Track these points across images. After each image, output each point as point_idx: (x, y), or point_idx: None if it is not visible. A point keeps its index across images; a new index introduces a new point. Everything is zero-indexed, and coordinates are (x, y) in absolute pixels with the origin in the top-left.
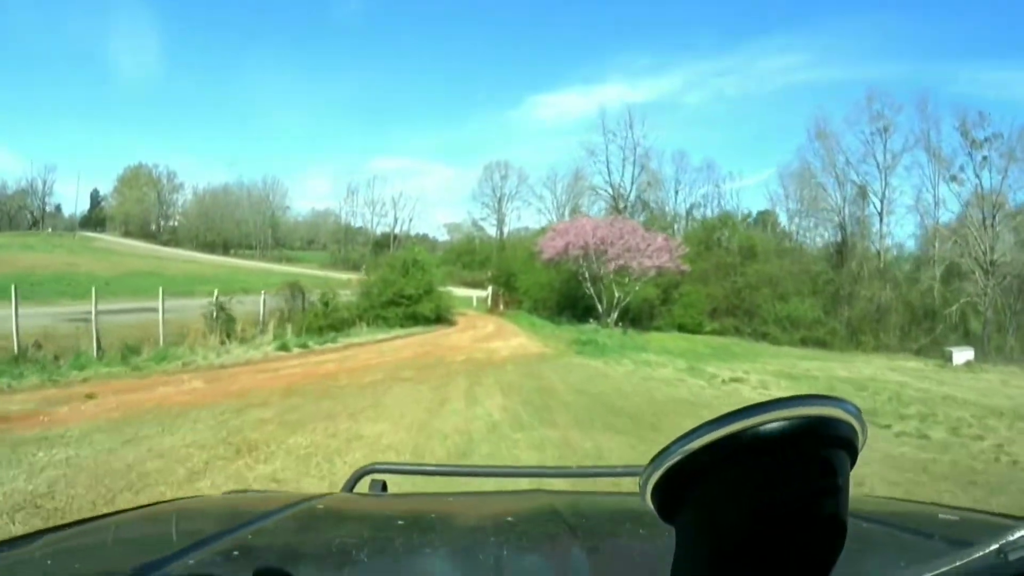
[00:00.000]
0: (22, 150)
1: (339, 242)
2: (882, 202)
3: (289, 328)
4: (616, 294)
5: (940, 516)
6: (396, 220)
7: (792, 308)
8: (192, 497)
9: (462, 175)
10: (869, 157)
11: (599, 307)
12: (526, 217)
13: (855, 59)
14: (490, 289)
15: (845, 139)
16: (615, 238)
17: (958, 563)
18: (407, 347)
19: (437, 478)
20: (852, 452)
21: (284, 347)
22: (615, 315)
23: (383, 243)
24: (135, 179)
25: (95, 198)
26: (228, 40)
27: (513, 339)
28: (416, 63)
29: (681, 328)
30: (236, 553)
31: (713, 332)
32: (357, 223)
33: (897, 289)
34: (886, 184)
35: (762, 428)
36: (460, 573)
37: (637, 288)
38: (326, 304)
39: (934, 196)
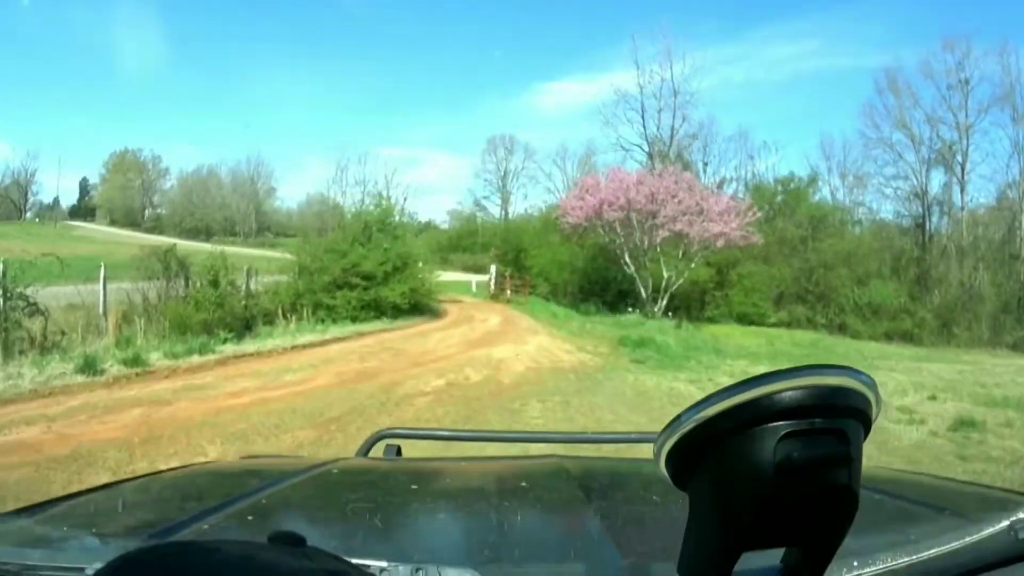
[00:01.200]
0: (9, 140)
1: (325, 225)
2: (963, 169)
3: (141, 327)
4: (665, 274)
5: (952, 490)
6: (388, 199)
7: (873, 293)
8: (207, 462)
9: (466, 165)
10: (946, 114)
11: (642, 291)
12: (533, 196)
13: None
14: (493, 269)
15: (923, 93)
16: (667, 196)
17: (968, 539)
18: (342, 360)
19: (451, 443)
20: (866, 423)
21: (90, 366)
22: (663, 302)
23: None
24: (120, 165)
25: (84, 187)
26: (222, 22)
27: (530, 339)
28: (418, 51)
29: (741, 319)
30: (251, 517)
31: (779, 323)
32: (351, 208)
33: (990, 271)
34: (967, 147)
35: (776, 396)
36: (474, 537)
37: (693, 265)
38: (214, 284)
39: (1020, 163)
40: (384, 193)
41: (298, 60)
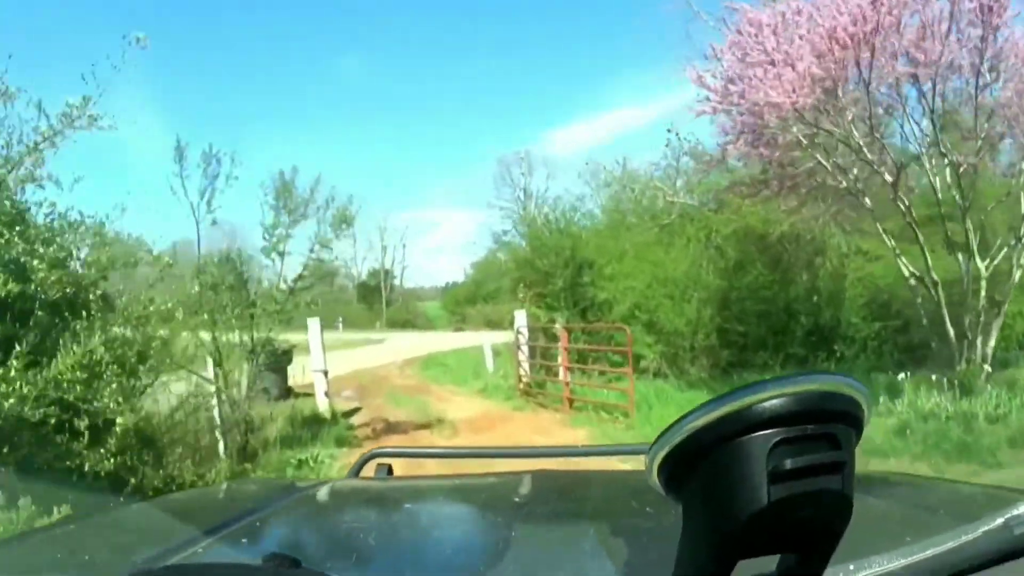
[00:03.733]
0: None
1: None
2: None
3: None
4: (982, 266)
5: (946, 490)
6: (384, 251)
7: None
8: (200, 487)
9: (484, 218)
10: None
11: (949, 331)
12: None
13: None
14: (521, 324)
15: None
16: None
17: (964, 537)
18: None
19: (443, 461)
20: (858, 427)
21: None
22: (990, 342)
23: (370, 286)
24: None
25: None
26: (217, 89)
27: None
28: (424, 114)
29: None
30: (245, 540)
31: None
32: (352, 268)
33: None
34: None
35: (767, 404)
36: (469, 554)
37: None
38: None
39: None
40: (379, 245)
41: (301, 127)
